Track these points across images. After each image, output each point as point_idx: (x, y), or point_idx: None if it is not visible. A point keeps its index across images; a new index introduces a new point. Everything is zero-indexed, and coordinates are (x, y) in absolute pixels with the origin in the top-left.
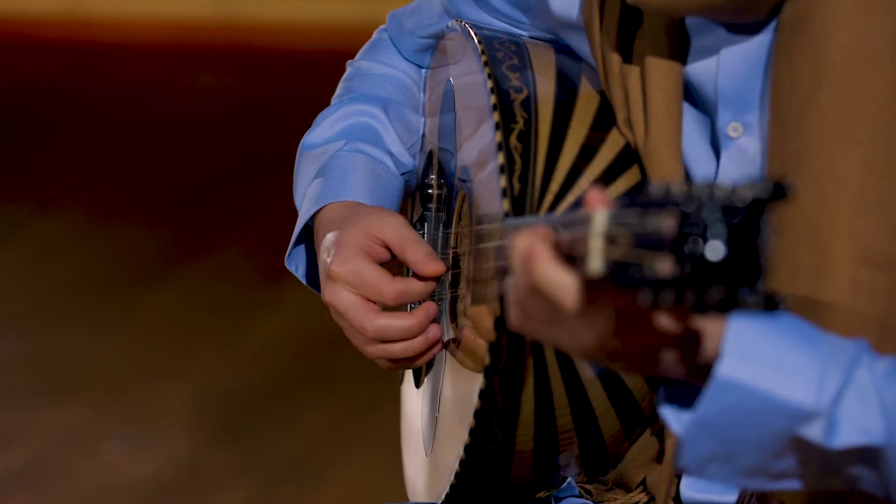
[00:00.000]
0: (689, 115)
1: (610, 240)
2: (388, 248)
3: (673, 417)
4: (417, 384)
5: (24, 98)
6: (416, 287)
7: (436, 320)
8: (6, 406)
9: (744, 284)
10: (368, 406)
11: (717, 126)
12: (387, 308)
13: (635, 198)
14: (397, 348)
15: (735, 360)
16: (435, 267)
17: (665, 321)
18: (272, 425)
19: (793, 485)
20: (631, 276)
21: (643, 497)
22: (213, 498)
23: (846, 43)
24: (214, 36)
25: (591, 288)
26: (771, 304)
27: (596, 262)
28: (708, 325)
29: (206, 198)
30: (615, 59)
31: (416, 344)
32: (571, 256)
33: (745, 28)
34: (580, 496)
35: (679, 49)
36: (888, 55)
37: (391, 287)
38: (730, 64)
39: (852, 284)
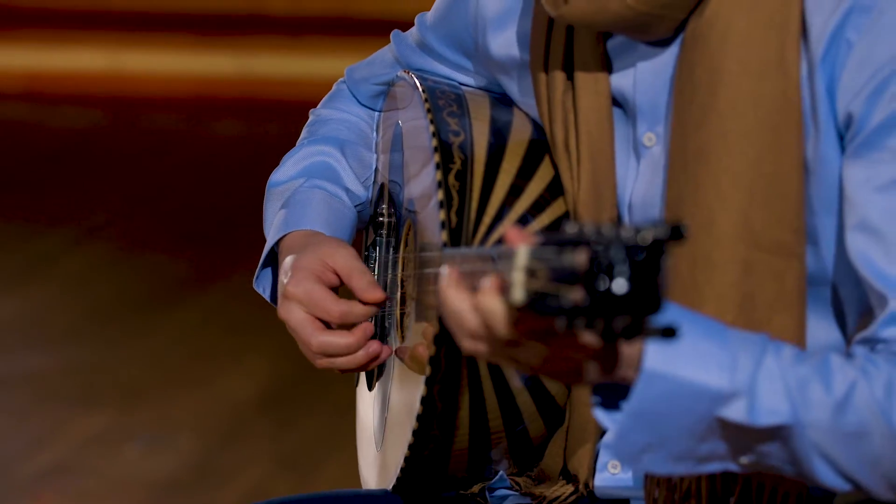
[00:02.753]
0: (618, 129)
1: (530, 273)
2: (338, 275)
3: (606, 416)
4: (370, 387)
5: (67, 143)
6: (359, 309)
7: (386, 333)
8: (41, 412)
9: (646, 314)
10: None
11: (637, 136)
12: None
13: (553, 236)
14: (341, 361)
15: (658, 353)
16: (375, 295)
17: (585, 341)
18: (273, 428)
19: (715, 466)
20: (548, 305)
21: (568, 489)
22: (221, 491)
23: (741, 56)
24: (233, 89)
25: (518, 315)
26: (668, 333)
27: (518, 293)
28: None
29: (221, 231)
30: (558, 86)
31: (357, 358)
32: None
33: (655, 44)
34: (510, 488)
35: (606, 68)
36: (776, 68)
37: (336, 307)
38: (644, 79)
39: (745, 266)
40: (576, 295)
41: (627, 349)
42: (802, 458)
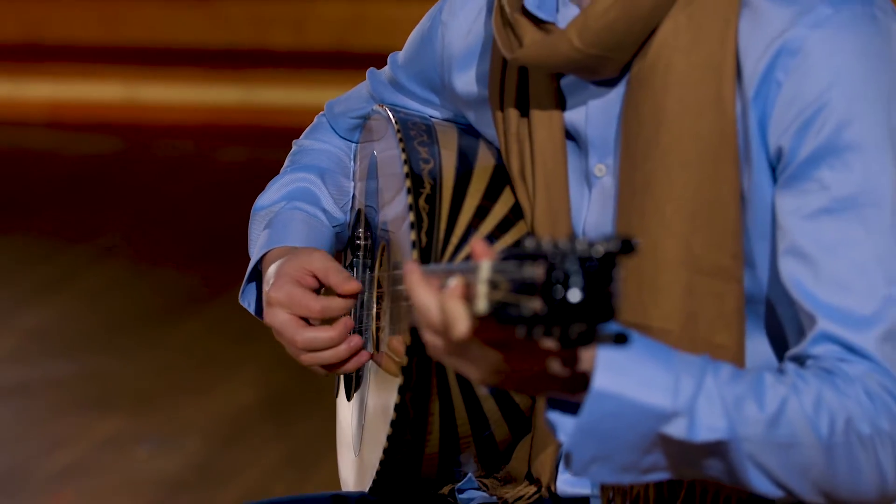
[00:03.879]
0: (572, 160)
1: (493, 285)
2: (316, 277)
3: (560, 429)
4: (348, 397)
5: (87, 167)
6: (337, 303)
7: (364, 347)
8: (60, 416)
9: (599, 322)
10: None
11: (588, 167)
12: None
13: (514, 250)
14: (326, 355)
15: (606, 375)
16: (351, 286)
17: (544, 349)
18: (272, 431)
19: (658, 476)
20: (510, 314)
21: (531, 489)
22: (223, 490)
23: (681, 95)
24: (238, 118)
25: (481, 324)
26: (620, 339)
27: (481, 303)
28: (581, 349)
29: (226, 249)
30: (514, 120)
31: (341, 351)
32: (467, 298)
33: (605, 83)
34: (478, 489)
35: (559, 106)
36: (713, 106)
37: (316, 303)
38: (595, 115)
39: (687, 288)
40: (535, 304)
41: (580, 365)
42: (738, 468)
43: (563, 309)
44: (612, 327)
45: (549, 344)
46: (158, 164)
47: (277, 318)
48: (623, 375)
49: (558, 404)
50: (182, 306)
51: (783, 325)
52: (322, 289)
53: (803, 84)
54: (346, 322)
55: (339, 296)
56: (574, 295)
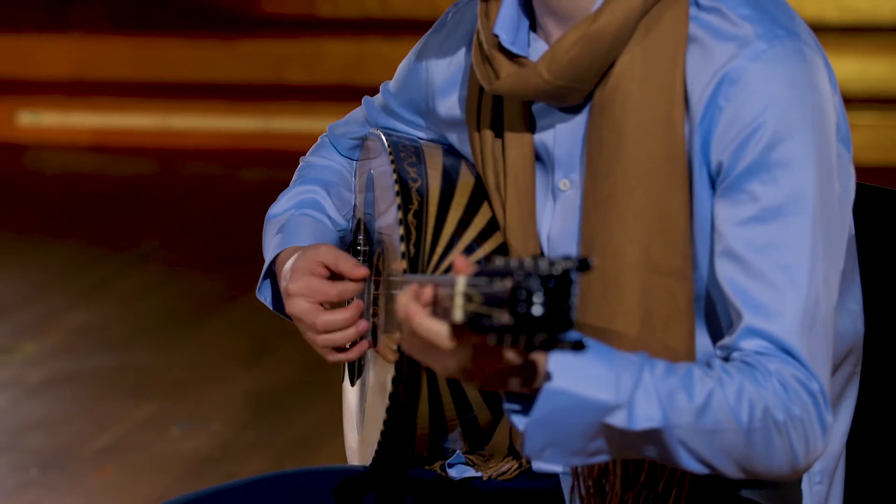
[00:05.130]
0: (539, 176)
1: (468, 298)
2: (327, 267)
3: (517, 418)
4: (352, 383)
5: (126, 186)
6: (350, 286)
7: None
8: (104, 401)
9: (559, 331)
10: None
11: (554, 182)
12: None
13: (486, 267)
14: (339, 336)
15: (557, 374)
16: (360, 271)
17: (508, 354)
18: (286, 416)
19: (603, 458)
20: (482, 324)
21: (513, 464)
22: (244, 465)
23: (637, 119)
24: (257, 143)
25: (457, 330)
26: (578, 346)
27: (458, 314)
28: (537, 354)
29: (247, 256)
30: (488, 140)
31: (349, 333)
32: (445, 308)
33: (571, 109)
34: (465, 463)
35: (529, 129)
36: (665, 128)
37: (333, 288)
38: (562, 136)
39: (644, 287)
40: (504, 317)
41: (535, 363)
42: (671, 451)
43: (528, 321)
44: (571, 336)
45: (516, 352)
46: (188, 183)
47: (298, 306)
48: (571, 373)
49: (514, 396)
50: (208, 307)
51: (720, 321)
52: (331, 275)
53: (741, 109)
54: (358, 304)
55: (351, 280)
56: (537, 310)
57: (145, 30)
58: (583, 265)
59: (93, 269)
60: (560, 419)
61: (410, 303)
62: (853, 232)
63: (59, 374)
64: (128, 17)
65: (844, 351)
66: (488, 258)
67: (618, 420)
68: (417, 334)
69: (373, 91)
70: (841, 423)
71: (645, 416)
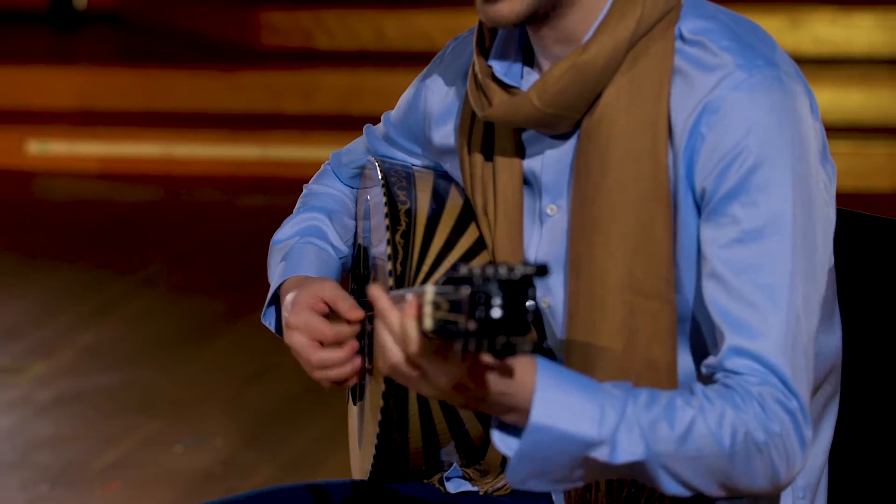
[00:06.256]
0: (527, 201)
1: (436, 306)
2: (327, 304)
3: (504, 447)
4: (354, 403)
5: (132, 211)
6: (346, 329)
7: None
8: (109, 419)
9: (517, 334)
10: None
11: (541, 207)
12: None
13: (451, 274)
14: (333, 373)
15: (541, 409)
16: (356, 314)
17: (480, 361)
18: (287, 432)
19: (585, 482)
20: (450, 330)
21: (506, 480)
22: (246, 481)
23: (622, 147)
24: (257, 171)
25: (434, 348)
26: (538, 349)
27: (427, 321)
28: (521, 383)
29: (248, 279)
30: (478, 166)
31: (345, 370)
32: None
33: (559, 137)
34: (463, 477)
35: (519, 155)
36: (649, 156)
37: (330, 330)
38: (550, 163)
39: (628, 309)
40: (468, 323)
41: (520, 400)
42: (653, 476)
43: (488, 324)
44: (526, 346)
45: (487, 357)
46: (190, 209)
47: (296, 339)
48: (555, 410)
49: (504, 425)
50: (211, 327)
51: (705, 341)
52: (330, 312)
53: (723, 136)
54: (353, 345)
55: (347, 321)
56: (495, 312)
57: (150, 62)
58: (541, 270)
59: (99, 292)
60: (544, 452)
61: (386, 313)
62: (833, 261)
63: (67, 393)
64: (133, 49)
65: (826, 371)
66: (454, 266)
67: (601, 454)
68: (394, 335)
69: (367, 120)
70: (823, 439)
71: (627, 450)
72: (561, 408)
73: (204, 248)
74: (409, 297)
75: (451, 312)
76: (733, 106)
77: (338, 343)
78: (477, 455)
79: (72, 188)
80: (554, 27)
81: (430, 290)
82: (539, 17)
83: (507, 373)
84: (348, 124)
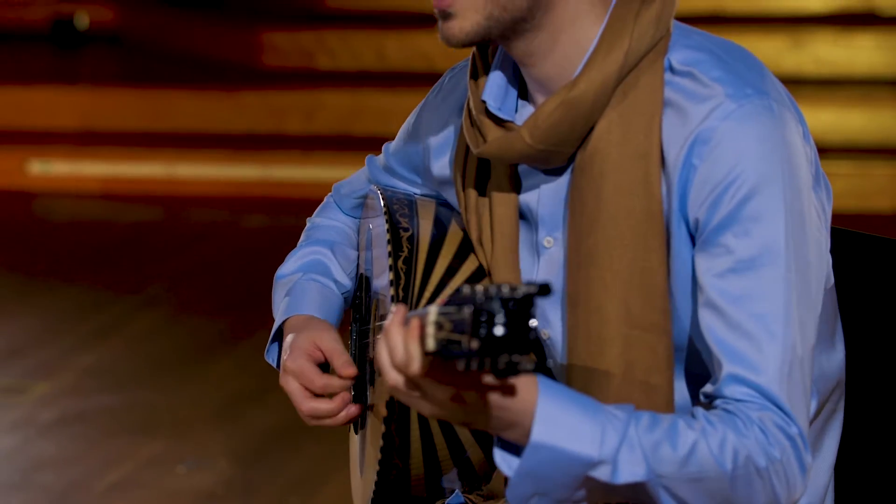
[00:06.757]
0: (523, 233)
1: (438, 326)
2: (323, 354)
3: (505, 466)
4: (356, 431)
5: (134, 232)
6: (336, 382)
7: (363, 384)
8: (112, 440)
9: (519, 352)
10: None
11: (538, 239)
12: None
13: (454, 296)
14: (326, 422)
15: (542, 427)
16: (349, 371)
17: (482, 381)
18: (288, 453)
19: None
20: (452, 351)
21: None
22: (247, 502)
23: (616, 180)
24: (259, 191)
25: (434, 367)
26: (540, 369)
27: (430, 342)
28: (523, 401)
29: (250, 300)
30: (473, 197)
31: (339, 419)
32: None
33: (554, 171)
34: (465, 501)
35: (515, 188)
36: (643, 188)
37: (319, 381)
38: (545, 196)
39: (625, 342)
40: (471, 342)
41: (526, 403)
42: (655, 497)
43: (491, 343)
44: (531, 359)
45: (488, 377)
46: (193, 229)
47: (289, 385)
48: (556, 428)
49: (504, 443)
50: (213, 348)
51: (702, 370)
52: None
53: (714, 166)
54: (345, 397)
55: (339, 377)
56: (498, 330)
57: (151, 82)
58: (543, 290)
59: (101, 312)
60: (545, 471)
61: (392, 330)
62: (833, 280)
63: (69, 413)
64: (135, 70)
65: (829, 389)
66: (458, 288)
67: (602, 474)
68: (397, 362)
69: (369, 140)
70: (826, 457)
71: (629, 471)
72: (562, 427)
73: (206, 269)
74: (413, 318)
75: (453, 332)
76: (724, 136)
77: (328, 395)
78: (479, 481)
79: (74, 208)
80: (536, 65)
81: (432, 311)
82: (495, 38)
83: (510, 391)
84: (350, 144)
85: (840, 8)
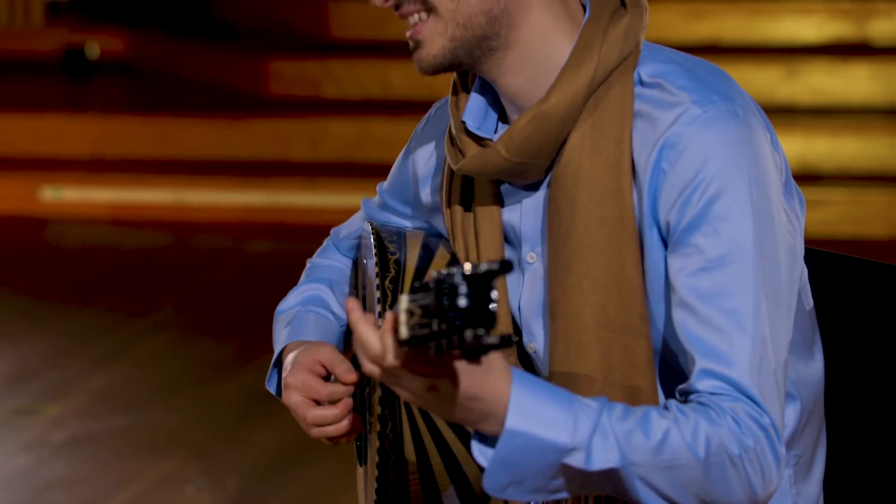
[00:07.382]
0: (508, 253)
1: (410, 313)
2: (324, 366)
3: (482, 457)
4: (361, 464)
5: (144, 257)
6: (339, 388)
7: (362, 403)
8: (121, 460)
9: (483, 327)
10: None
11: (522, 256)
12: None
13: (423, 282)
14: (329, 430)
15: (516, 415)
16: (351, 376)
17: (471, 384)
18: (296, 473)
19: (564, 495)
20: (423, 336)
21: None
22: None
23: (588, 190)
24: (265, 217)
25: (410, 357)
26: (505, 343)
27: (403, 330)
28: (497, 391)
29: (256, 324)
30: (459, 217)
31: (342, 426)
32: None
33: (533, 186)
34: None
35: (498, 205)
36: (614, 196)
37: (324, 389)
38: (527, 212)
39: (605, 346)
40: (438, 323)
41: (499, 392)
42: (630, 487)
43: (455, 314)
44: (493, 339)
45: (459, 364)
46: (200, 254)
47: (292, 399)
48: (530, 416)
49: (483, 437)
50: (220, 369)
51: (679, 371)
52: (331, 376)
53: (682, 170)
54: (347, 402)
55: (342, 384)
56: (461, 301)
57: (160, 110)
58: (504, 266)
59: (111, 335)
60: (520, 458)
61: (358, 323)
62: (811, 303)
63: (81, 434)
64: (144, 98)
65: (812, 399)
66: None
67: (576, 461)
68: (369, 349)
69: (374, 168)
70: (816, 470)
71: (602, 457)
72: (536, 414)
73: (213, 293)
74: (387, 313)
75: (423, 317)
76: (690, 140)
77: (332, 402)
78: (476, 497)
79: (84, 234)
80: (510, 84)
81: (403, 299)
82: (465, 61)
83: (484, 381)
84: (355, 171)
85: (834, 38)
